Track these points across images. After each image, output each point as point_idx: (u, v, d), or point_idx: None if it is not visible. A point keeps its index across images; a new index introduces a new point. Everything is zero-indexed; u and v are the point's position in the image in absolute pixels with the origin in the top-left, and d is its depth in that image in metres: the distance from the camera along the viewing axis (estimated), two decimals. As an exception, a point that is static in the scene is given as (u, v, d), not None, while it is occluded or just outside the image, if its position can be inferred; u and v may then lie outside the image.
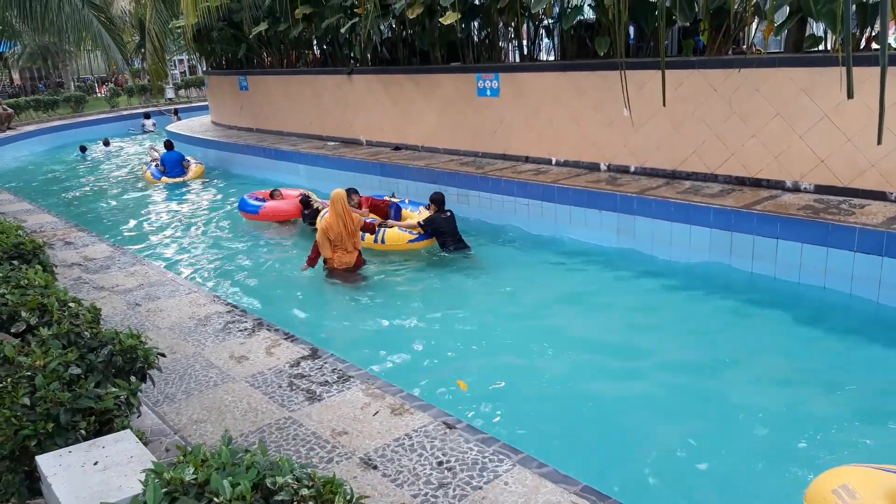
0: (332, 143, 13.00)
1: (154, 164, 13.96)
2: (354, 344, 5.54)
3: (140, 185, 13.80)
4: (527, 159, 9.74)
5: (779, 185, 7.14)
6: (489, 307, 6.31)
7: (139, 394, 2.77)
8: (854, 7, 6.85)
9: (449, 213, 7.82)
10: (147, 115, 23.52)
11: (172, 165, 13.50)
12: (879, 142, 1.72)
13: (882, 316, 5.53)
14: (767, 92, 7.04)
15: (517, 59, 10.87)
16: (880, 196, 6.43)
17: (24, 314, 2.95)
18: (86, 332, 2.86)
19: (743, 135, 7.33)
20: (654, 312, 6.02)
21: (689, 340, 5.48)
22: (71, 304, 3.09)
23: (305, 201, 9.31)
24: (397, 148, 11.79)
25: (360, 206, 8.19)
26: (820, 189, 6.84)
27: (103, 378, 2.64)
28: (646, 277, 6.73)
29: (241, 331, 4.66)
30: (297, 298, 6.82)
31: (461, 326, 5.89)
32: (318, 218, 7.50)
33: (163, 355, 3.06)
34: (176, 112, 22.99)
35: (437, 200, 7.84)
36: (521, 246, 8.10)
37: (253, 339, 4.50)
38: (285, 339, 4.49)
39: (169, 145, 14.04)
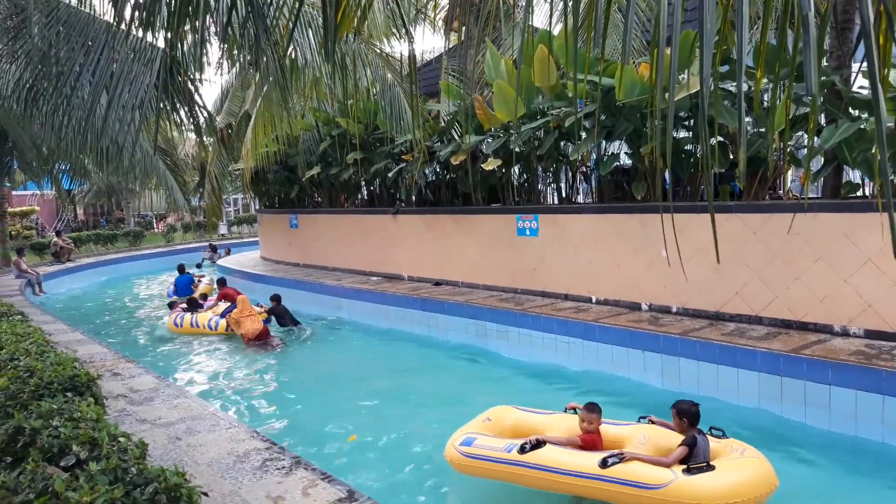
0: (375, 279, 13.33)
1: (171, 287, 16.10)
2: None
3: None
4: (566, 297, 9.81)
5: (827, 330, 7.01)
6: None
7: (178, 534, 2.74)
8: (889, 154, 7.02)
9: (283, 307, 11.85)
10: (213, 248, 24.82)
11: (183, 287, 15.41)
12: None
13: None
14: (808, 236, 7.09)
15: (556, 202, 11.25)
16: (935, 342, 6.25)
17: (75, 448, 3.01)
18: (132, 468, 2.89)
19: (786, 278, 7.31)
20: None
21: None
22: (121, 439, 3.14)
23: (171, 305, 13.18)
24: (438, 283, 12.02)
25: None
26: (870, 334, 6.68)
27: (145, 516, 2.63)
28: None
29: (278, 469, 4.60)
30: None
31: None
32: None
33: (205, 494, 3.04)
34: (214, 249, 24.51)
35: (276, 298, 11.99)
36: (558, 381, 7.97)
37: (290, 479, 4.43)
38: (322, 479, 4.41)
39: (181, 269, 16.17)
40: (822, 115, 7.67)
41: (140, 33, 6.81)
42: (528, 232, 10.36)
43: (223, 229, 31.82)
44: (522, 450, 4.83)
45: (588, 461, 4.60)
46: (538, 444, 4.84)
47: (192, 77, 7.97)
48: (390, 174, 12.79)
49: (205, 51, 7.74)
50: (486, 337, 9.59)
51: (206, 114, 8.21)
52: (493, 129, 10.62)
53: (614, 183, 10.04)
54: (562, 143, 10.13)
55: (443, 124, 11.96)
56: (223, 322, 11.68)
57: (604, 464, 4.50)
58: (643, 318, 8.31)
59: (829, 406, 6.00)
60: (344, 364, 9.88)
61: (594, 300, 9.42)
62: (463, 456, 5.05)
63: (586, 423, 4.98)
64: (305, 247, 16.35)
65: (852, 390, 5.84)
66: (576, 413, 5.30)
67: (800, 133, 8.30)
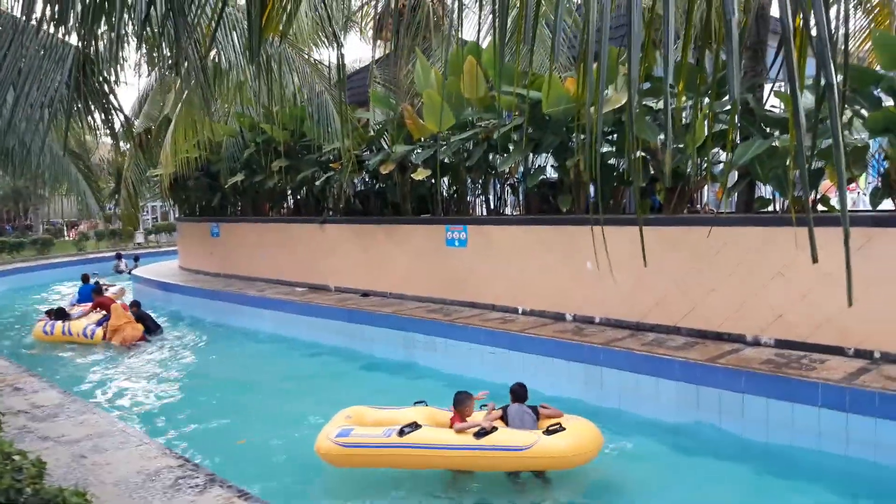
0: (301, 289, 13.03)
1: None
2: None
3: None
4: (494, 308, 9.84)
5: (740, 339, 7.28)
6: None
7: (76, 560, 2.54)
8: (797, 173, 7.40)
9: (143, 311, 12.07)
10: (119, 256, 23.76)
11: (87, 297, 14.42)
12: (850, 304, 1.79)
13: (853, 471, 5.46)
14: (723, 249, 7.37)
15: (484, 213, 11.31)
16: (838, 351, 6.58)
17: (-38, 468, 2.75)
18: (27, 489, 2.67)
19: (703, 289, 7.57)
20: (629, 468, 5.86)
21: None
22: (15, 457, 2.90)
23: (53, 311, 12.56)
24: (366, 294, 11.85)
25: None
26: (780, 343, 6.97)
27: (39, 542, 2.42)
28: (616, 433, 6.60)
29: (191, 487, 4.37)
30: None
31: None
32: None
33: (107, 515, 2.83)
34: (120, 256, 23.70)
35: (136, 304, 12.30)
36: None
37: (204, 497, 4.21)
38: (238, 497, 4.21)
39: (85, 279, 15.32)
40: (737, 133, 8.02)
41: (52, 29, 6.42)
42: (457, 243, 10.36)
43: (140, 238, 30.54)
44: (401, 433, 5.26)
45: (462, 437, 5.24)
46: (416, 427, 5.31)
47: (107, 78, 7.58)
48: (317, 182, 12.57)
49: (122, 50, 7.38)
50: (414, 348, 9.50)
51: (122, 116, 7.83)
52: (422, 139, 10.60)
53: (541, 195, 10.18)
54: (490, 155, 10.21)
55: (372, 133, 11.86)
56: (99, 331, 11.55)
57: (478, 435, 5.16)
58: (567, 328, 8.43)
59: (742, 413, 6.22)
60: (255, 373, 9.74)
61: (521, 311, 9.49)
62: (342, 447, 5.33)
63: (467, 408, 5.61)
64: (227, 256, 15.83)
65: (763, 398, 6.08)
66: (426, 405, 5.93)
67: (716, 150, 8.66)
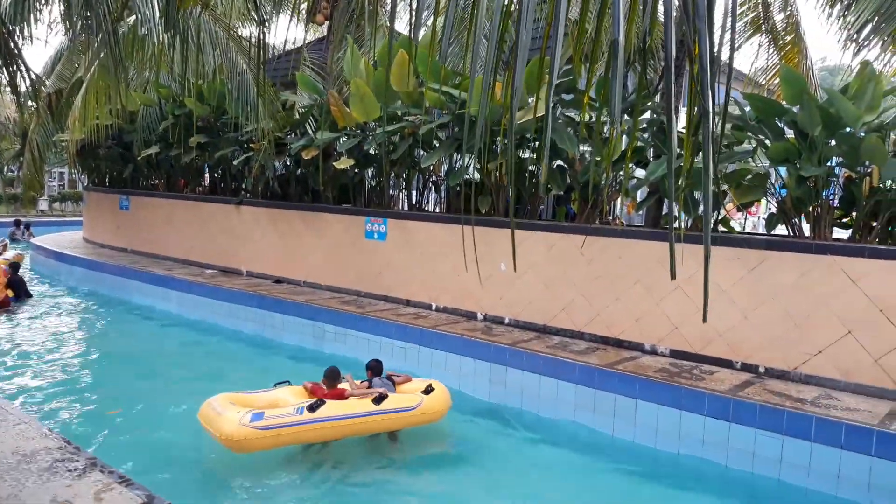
0: (210, 272, 12.64)
1: None
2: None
3: None
4: (408, 303, 9.86)
5: (638, 347, 7.58)
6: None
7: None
8: (698, 194, 7.74)
9: (19, 276, 12.05)
10: (17, 223, 22.32)
11: None
12: (705, 319, 1.89)
13: (731, 478, 5.78)
14: (629, 260, 7.64)
15: (405, 208, 11.29)
16: (727, 364, 6.95)
17: None
18: None
19: (607, 297, 7.83)
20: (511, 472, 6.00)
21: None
22: None
23: None
24: (278, 281, 11.62)
25: None
26: (675, 354, 7.31)
27: None
28: (514, 434, 6.76)
29: (69, 471, 4.16)
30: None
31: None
32: None
33: (-37, 498, 2.66)
34: (18, 224, 22.27)
35: (15, 266, 12.29)
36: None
37: (82, 482, 4.02)
38: (119, 482, 4.04)
39: None
40: (651, 151, 8.33)
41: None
42: (376, 235, 10.30)
43: (43, 205, 28.82)
44: (311, 409, 5.66)
45: (363, 404, 5.93)
46: (321, 402, 5.75)
47: (10, 29, 7.12)
48: (236, 162, 12.20)
49: (30, 3, 6.95)
50: (324, 339, 9.39)
51: (26, 71, 7.36)
52: (348, 128, 10.47)
53: (463, 195, 10.24)
54: (416, 151, 10.19)
55: (297, 116, 11.62)
56: None
57: (377, 401, 5.95)
58: (478, 327, 8.54)
59: (634, 419, 6.47)
60: (150, 354, 9.53)
61: (434, 307, 9.55)
62: (260, 430, 5.43)
63: (338, 381, 6.23)
64: (136, 231, 15.16)
65: (655, 404, 6.35)
66: (290, 384, 6.29)
67: (631, 165, 8.97)
